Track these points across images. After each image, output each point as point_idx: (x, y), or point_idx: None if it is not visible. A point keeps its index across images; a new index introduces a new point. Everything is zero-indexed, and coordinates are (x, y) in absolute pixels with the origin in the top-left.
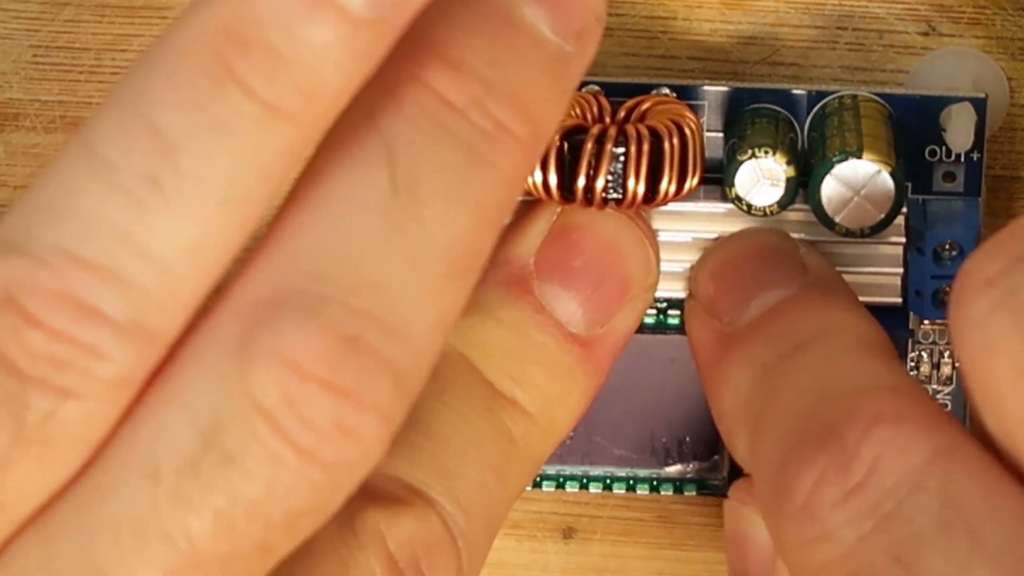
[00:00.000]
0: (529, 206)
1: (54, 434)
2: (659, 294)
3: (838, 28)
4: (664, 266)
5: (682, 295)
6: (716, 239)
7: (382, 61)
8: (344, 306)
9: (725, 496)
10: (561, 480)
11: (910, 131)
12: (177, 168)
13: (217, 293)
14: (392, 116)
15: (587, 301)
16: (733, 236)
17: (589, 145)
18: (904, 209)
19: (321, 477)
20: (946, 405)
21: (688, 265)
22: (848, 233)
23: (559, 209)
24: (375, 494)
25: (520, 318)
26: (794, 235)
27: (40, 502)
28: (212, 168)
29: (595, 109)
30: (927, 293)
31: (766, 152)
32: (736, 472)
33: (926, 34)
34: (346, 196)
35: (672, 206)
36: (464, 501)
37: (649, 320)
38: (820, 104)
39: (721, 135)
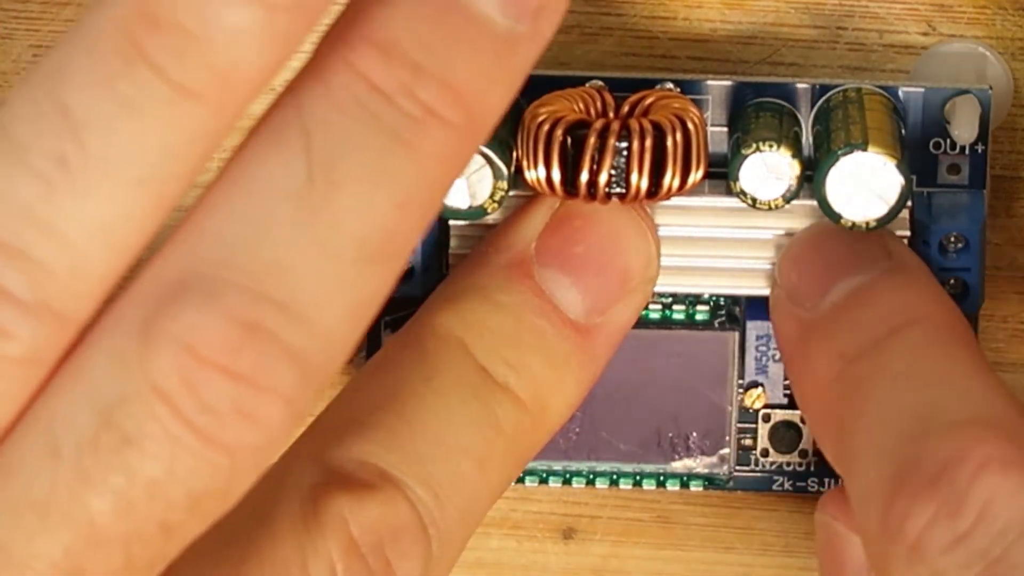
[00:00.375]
0: (532, 197)
1: None
2: (663, 289)
3: (838, 28)
4: (669, 261)
5: (686, 290)
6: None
7: (318, 44)
8: (245, 291)
9: (730, 491)
10: (568, 476)
11: (914, 124)
12: (83, 146)
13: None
14: (318, 100)
15: (587, 288)
16: (817, 223)
17: (592, 139)
18: (909, 202)
19: (222, 460)
20: None
21: (691, 260)
22: (854, 227)
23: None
24: (343, 479)
25: (519, 302)
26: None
27: None
28: (118, 147)
29: (598, 104)
30: None
31: (770, 146)
32: (743, 468)
33: (926, 34)
34: (260, 178)
35: (676, 201)
36: (438, 487)
37: (654, 315)
38: (824, 98)
39: (725, 130)
